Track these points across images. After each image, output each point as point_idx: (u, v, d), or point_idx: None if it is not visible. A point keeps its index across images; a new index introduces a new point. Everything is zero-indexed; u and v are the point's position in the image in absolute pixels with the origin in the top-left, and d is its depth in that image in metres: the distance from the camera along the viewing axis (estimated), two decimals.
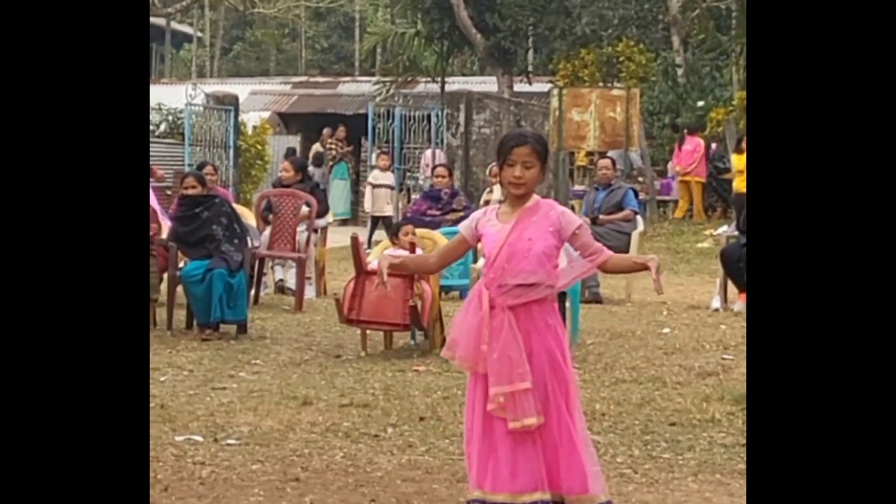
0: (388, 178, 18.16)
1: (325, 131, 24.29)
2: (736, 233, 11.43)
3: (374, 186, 17.73)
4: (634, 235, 12.12)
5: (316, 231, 11.78)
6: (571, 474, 4.29)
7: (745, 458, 4.43)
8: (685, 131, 21.61)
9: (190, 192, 9.38)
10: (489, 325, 4.28)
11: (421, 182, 20.88)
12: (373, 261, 8.95)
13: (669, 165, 22.98)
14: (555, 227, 4.30)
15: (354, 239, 8.65)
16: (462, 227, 4.50)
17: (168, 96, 21.61)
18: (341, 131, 24.14)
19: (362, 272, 8.57)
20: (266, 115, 26.72)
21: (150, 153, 16.44)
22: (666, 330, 9.71)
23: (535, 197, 4.37)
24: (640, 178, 21.21)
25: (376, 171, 18.10)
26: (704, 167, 21.21)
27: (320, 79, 34.48)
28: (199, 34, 45.27)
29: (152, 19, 32.68)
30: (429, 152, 21.17)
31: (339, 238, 12.51)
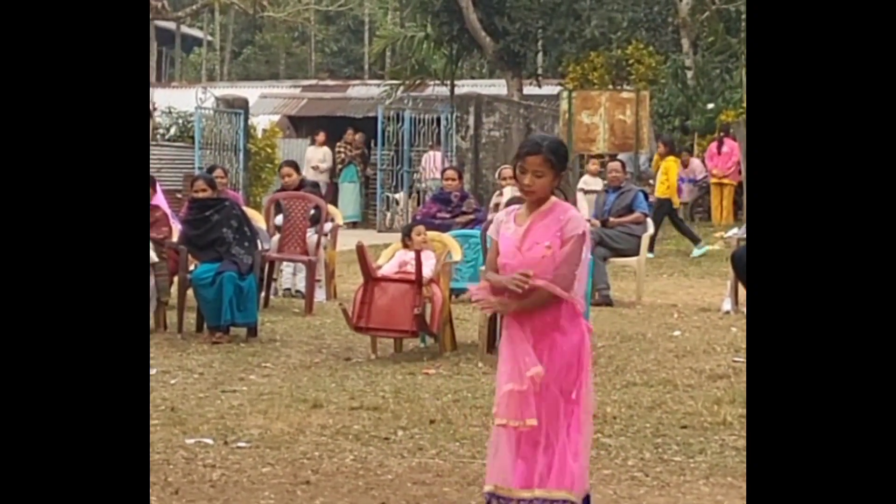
0: (599, 183, 15.45)
1: (349, 134, 23.91)
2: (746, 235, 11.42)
3: (586, 192, 15.42)
4: (644, 238, 12.11)
5: (326, 234, 11.77)
6: (560, 476, 4.25)
7: None
8: (722, 134, 21.47)
9: (200, 195, 9.38)
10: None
11: (426, 184, 20.93)
12: (383, 264, 8.95)
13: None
14: (561, 231, 4.30)
15: (360, 248, 8.60)
16: (491, 232, 4.53)
17: (178, 100, 21.65)
18: (359, 136, 23.98)
19: (370, 279, 8.55)
20: (276, 118, 26.73)
21: (161, 156, 16.49)
22: (676, 333, 9.69)
23: (553, 199, 4.36)
24: (651, 181, 21.16)
25: (587, 177, 16.44)
26: (738, 171, 21.09)
27: (330, 82, 34.50)
28: (210, 38, 45.38)
29: (163, 23, 32.79)
30: (431, 154, 21.19)
31: (348, 241, 12.49)
